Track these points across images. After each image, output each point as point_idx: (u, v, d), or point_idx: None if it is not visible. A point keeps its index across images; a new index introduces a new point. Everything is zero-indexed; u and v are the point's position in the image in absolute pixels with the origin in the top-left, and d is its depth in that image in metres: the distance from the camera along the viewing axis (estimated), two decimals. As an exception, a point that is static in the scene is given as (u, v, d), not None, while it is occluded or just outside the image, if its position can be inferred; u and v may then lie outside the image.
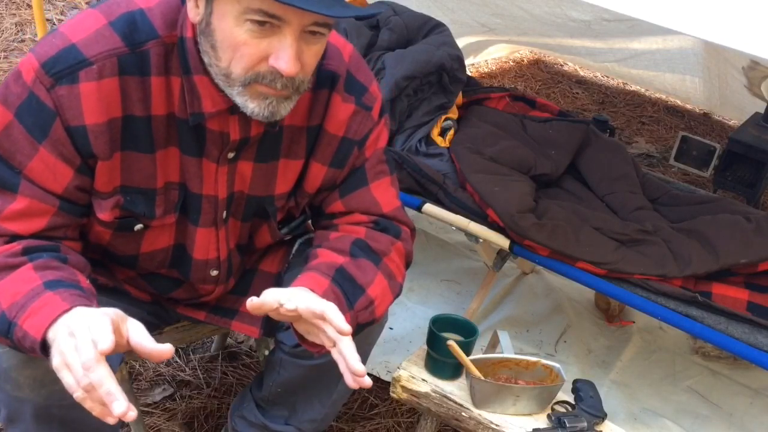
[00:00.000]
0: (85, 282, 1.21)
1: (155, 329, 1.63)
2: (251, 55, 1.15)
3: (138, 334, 1.07)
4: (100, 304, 1.19)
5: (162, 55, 1.23)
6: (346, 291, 1.32)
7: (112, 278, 1.48)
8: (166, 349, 1.06)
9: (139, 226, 1.36)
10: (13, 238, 1.22)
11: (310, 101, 1.37)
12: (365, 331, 1.51)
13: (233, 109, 1.25)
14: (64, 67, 1.18)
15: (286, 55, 1.14)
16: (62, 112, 1.18)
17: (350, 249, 1.39)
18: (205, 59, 1.21)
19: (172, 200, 1.35)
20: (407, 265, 1.49)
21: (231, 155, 1.34)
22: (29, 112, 1.18)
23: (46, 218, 1.23)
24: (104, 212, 1.30)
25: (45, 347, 1.10)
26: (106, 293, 1.40)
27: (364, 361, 1.59)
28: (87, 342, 1.01)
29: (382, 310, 1.38)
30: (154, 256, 1.43)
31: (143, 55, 1.22)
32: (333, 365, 1.55)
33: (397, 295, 1.43)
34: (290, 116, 1.34)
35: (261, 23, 1.12)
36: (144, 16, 1.23)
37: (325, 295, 1.25)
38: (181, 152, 1.31)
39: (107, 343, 1.00)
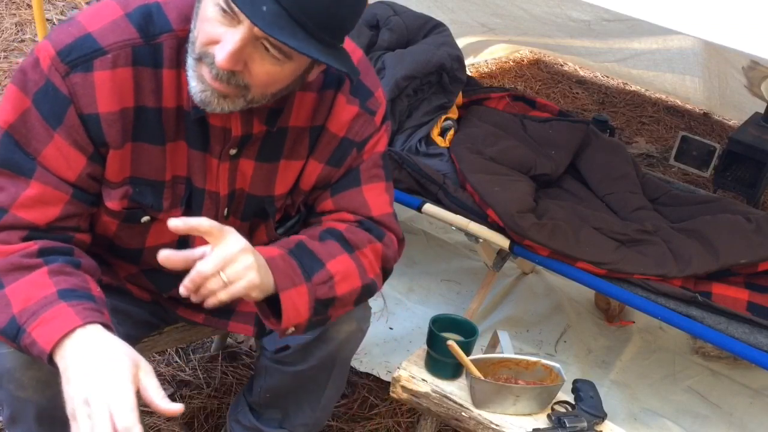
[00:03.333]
0: (96, 290, 1.22)
1: (155, 329, 1.63)
2: (208, 34, 1.16)
3: (150, 390, 1.09)
4: (107, 305, 1.20)
5: (174, 48, 1.25)
6: (303, 263, 1.29)
7: (115, 277, 1.48)
8: (176, 409, 1.09)
9: (145, 218, 1.36)
10: (30, 232, 1.22)
11: (315, 102, 1.37)
12: (344, 337, 1.51)
13: None
14: (79, 55, 1.19)
15: (226, 48, 1.13)
16: (76, 99, 1.20)
17: (320, 234, 1.38)
18: (192, 25, 1.21)
19: (178, 194, 1.36)
20: (385, 272, 1.46)
21: (233, 152, 1.34)
22: (45, 99, 1.20)
23: (59, 206, 1.24)
24: (113, 201, 1.31)
25: (53, 357, 1.12)
26: (109, 293, 1.39)
27: (345, 366, 1.60)
28: (104, 418, 1.04)
29: (344, 289, 1.34)
30: (158, 251, 1.43)
31: (157, 48, 1.23)
32: (315, 371, 1.55)
33: (368, 288, 1.39)
34: (295, 117, 1.35)
35: (223, 10, 1.13)
36: (160, 10, 1.25)
37: (272, 261, 1.24)
38: (188, 146, 1.32)
39: (127, 423, 1.04)
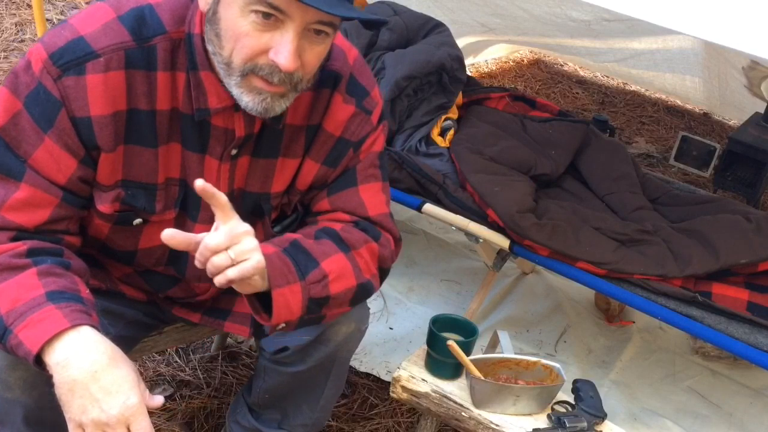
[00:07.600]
0: (85, 291, 1.22)
1: (152, 329, 1.63)
2: (252, 47, 1.16)
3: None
4: (96, 307, 1.21)
5: (168, 51, 1.24)
6: (297, 261, 1.29)
7: (108, 279, 1.48)
8: (157, 403, 1.17)
9: (138, 221, 1.36)
10: (18, 233, 1.22)
11: (311, 100, 1.37)
12: (342, 339, 1.51)
13: (238, 105, 1.26)
14: (71, 58, 1.19)
15: (286, 50, 1.14)
16: (68, 102, 1.19)
17: (315, 233, 1.38)
18: (210, 48, 1.22)
19: (172, 196, 1.35)
20: (383, 272, 1.45)
21: (234, 152, 1.34)
22: (36, 102, 1.19)
23: (49, 210, 1.24)
24: (104, 204, 1.30)
25: (39, 359, 1.12)
26: (101, 296, 1.40)
27: (344, 367, 1.61)
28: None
29: (338, 288, 1.34)
30: (151, 253, 1.43)
31: (150, 50, 1.23)
32: (314, 372, 1.55)
33: (364, 288, 1.39)
34: (291, 115, 1.35)
35: (265, 15, 1.13)
36: (153, 12, 1.24)
37: (268, 259, 1.23)
38: (183, 148, 1.32)
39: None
